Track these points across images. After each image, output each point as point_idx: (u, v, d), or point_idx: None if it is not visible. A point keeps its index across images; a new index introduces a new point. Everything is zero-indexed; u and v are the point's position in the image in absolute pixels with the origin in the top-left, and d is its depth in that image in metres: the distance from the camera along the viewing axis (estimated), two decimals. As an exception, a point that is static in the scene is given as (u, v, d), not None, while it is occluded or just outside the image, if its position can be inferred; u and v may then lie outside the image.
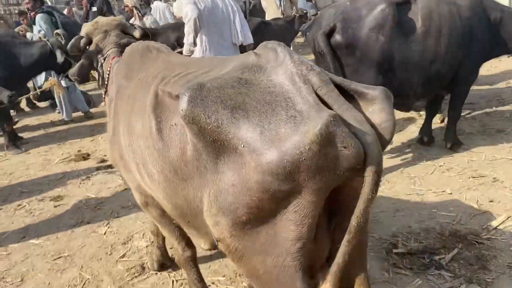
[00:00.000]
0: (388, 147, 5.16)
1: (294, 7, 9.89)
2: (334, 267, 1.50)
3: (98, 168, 5.28)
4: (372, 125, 1.49)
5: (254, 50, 1.76)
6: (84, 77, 3.28)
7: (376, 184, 1.42)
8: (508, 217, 3.52)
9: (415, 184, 4.24)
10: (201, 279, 2.82)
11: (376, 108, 1.53)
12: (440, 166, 4.55)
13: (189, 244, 2.72)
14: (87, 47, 3.19)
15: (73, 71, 3.21)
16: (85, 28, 3.22)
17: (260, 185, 1.48)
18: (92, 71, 3.36)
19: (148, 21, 7.90)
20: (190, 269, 2.79)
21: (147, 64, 2.50)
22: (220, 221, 1.65)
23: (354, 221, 1.44)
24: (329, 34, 4.01)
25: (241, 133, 1.49)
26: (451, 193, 3.99)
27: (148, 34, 3.20)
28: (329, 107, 1.47)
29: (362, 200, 1.43)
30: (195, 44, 4.86)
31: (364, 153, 1.40)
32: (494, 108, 6.10)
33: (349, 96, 1.56)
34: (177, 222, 2.39)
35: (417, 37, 4.00)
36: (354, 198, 1.48)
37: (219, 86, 1.60)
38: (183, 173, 1.81)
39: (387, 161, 4.80)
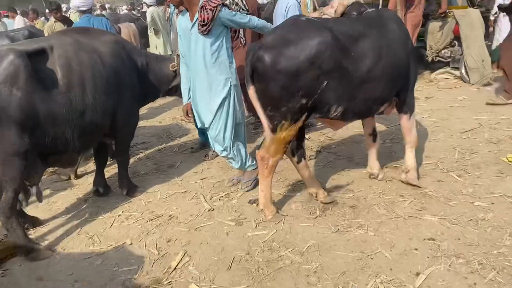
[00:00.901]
0: (63, 207, 4.65)
1: None
2: None
3: None
4: None
5: None
6: None
7: None
8: (185, 253, 3.60)
9: (94, 243, 3.88)
10: None
11: None
12: (119, 216, 4.35)
13: None
14: None
15: None
16: None
17: None
18: None
19: None
20: None
21: None
22: None
23: None
24: None
25: None
26: (131, 244, 3.82)
27: None
28: None
29: None
30: None
31: None
32: (164, 144, 6.46)
33: None
34: None
35: (61, 88, 3.65)
36: None
37: None
38: None
39: (60, 226, 4.26)
